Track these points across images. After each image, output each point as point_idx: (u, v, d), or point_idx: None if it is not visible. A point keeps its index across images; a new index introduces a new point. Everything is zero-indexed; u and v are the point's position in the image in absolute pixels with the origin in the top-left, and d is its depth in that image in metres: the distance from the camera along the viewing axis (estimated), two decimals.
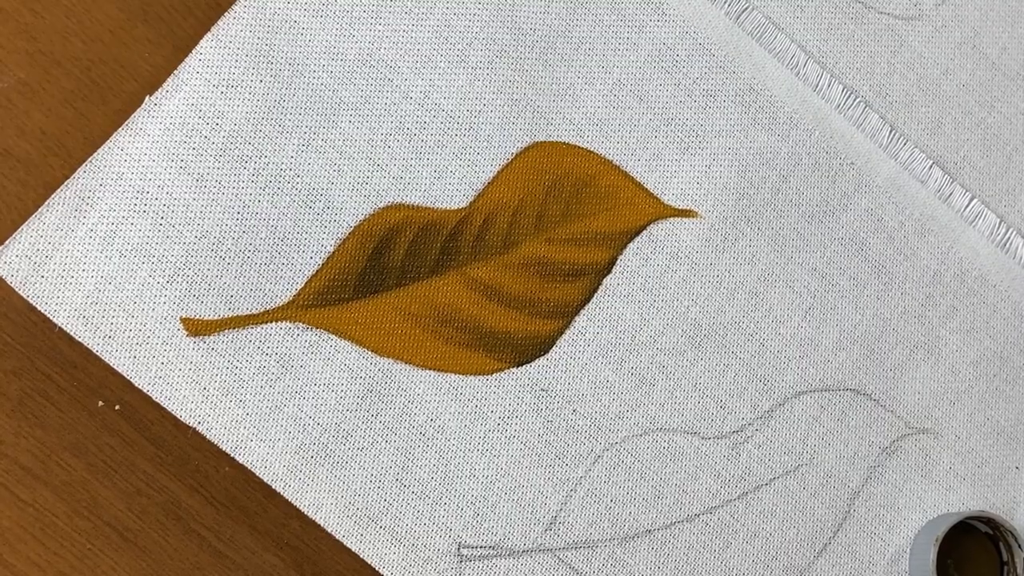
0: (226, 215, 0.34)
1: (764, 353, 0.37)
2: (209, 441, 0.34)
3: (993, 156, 0.40)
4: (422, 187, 0.36)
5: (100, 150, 0.34)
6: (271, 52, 0.35)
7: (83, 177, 0.33)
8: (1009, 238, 0.39)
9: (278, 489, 0.34)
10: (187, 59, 0.34)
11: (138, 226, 0.34)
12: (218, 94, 0.34)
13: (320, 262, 0.35)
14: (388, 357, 0.35)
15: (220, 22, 0.35)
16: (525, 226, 0.36)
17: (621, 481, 0.36)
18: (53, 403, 0.33)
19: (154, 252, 0.34)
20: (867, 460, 0.37)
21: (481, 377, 0.35)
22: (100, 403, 0.33)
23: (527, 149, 0.36)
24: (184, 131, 0.34)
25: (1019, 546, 0.36)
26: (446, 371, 0.35)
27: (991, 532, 0.37)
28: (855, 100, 0.39)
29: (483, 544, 0.35)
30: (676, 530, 0.36)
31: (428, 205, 0.36)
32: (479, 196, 0.36)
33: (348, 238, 0.35)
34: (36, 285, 0.33)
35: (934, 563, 0.35)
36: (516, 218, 0.36)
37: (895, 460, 0.37)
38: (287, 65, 0.35)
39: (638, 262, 0.37)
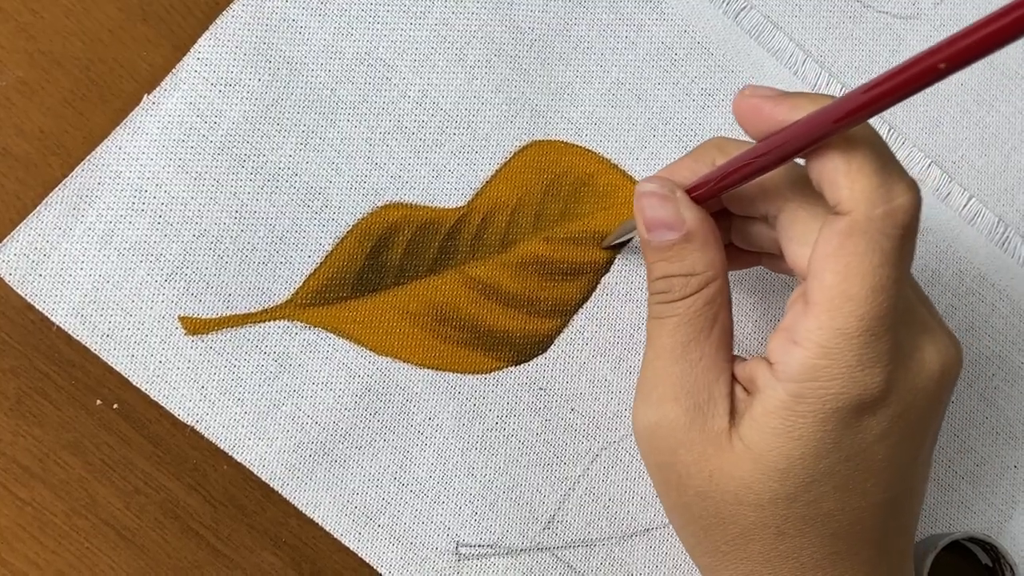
0: (224, 214, 0.34)
1: (763, 351, 0.37)
2: (207, 440, 0.34)
3: (991, 155, 0.40)
4: (420, 186, 0.36)
5: (98, 149, 0.34)
6: (269, 51, 0.35)
7: (81, 176, 0.33)
8: (1008, 237, 0.39)
9: (276, 488, 0.34)
10: (185, 58, 0.34)
11: (136, 225, 0.34)
12: (216, 93, 0.34)
13: (318, 261, 0.35)
14: (386, 356, 0.35)
15: (218, 21, 0.35)
16: (523, 225, 0.36)
17: (619, 480, 0.36)
18: (51, 402, 0.33)
19: (152, 251, 0.34)
20: None
21: (479, 376, 0.35)
22: (98, 402, 0.33)
23: (525, 148, 0.36)
24: (182, 130, 0.34)
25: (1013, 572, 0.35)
26: (444, 370, 0.35)
27: (989, 562, 0.36)
28: None
29: (481, 543, 0.35)
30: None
31: (426, 204, 0.36)
32: (477, 195, 0.36)
33: (346, 237, 0.35)
34: (34, 283, 0.33)
35: None
36: (514, 217, 0.36)
37: None
38: (285, 64, 0.35)
39: (637, 260, 0.37)
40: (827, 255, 0.25)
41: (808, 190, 0.27)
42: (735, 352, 0.30)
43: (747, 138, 0.28)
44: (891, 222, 0.24)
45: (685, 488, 0.28)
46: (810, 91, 0.38)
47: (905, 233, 0.24)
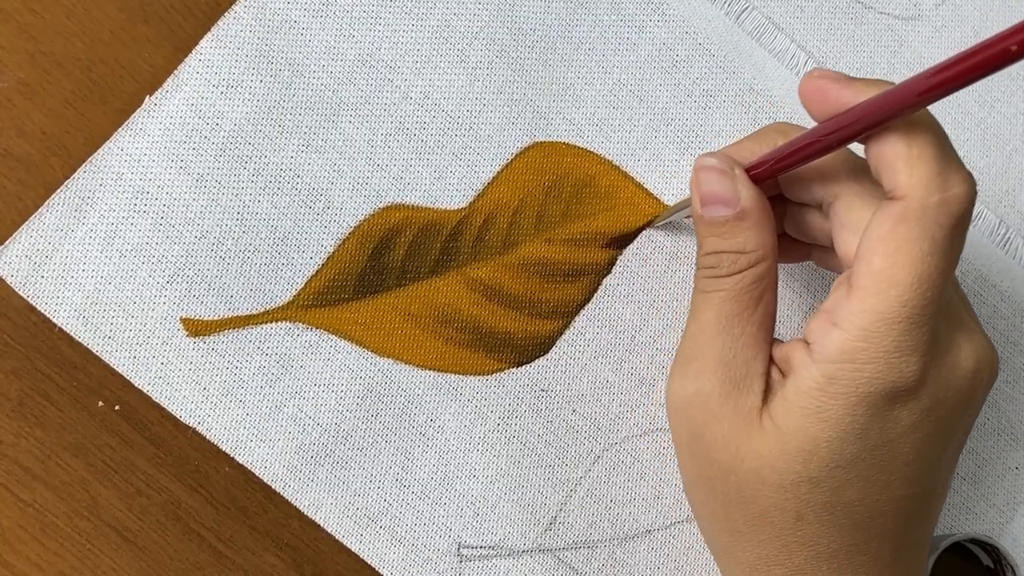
0: (226, 215, 0.34)
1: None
2: (209, 441, 0.34)
3: (992, 156, 0.40)
4: (422, 187, 0.36)
5: (100, 150, 0.34)
6: (271, 52, 0.35)
7: (83, 177, 0.33)
8: (1009, 238, 0.39)
9: (278, 489, 0.34)
10: (187, 59, 0.34)
11: (138, 226, 0.34)
12: (218, 94, 0.34)
13: (320, 262, 0.35)
14: (388, 357, 0.35)
15: (220, 22, 0.35)
16: (525, 226, 0.36)
17: (621, 481, 0.36)
18: (53, 403, 0.33)
19: (154, 252, 0.34)
20: None
21: (481, 377, 0.35)
22: (100, 403, 0.33)
23: (527, 149, 0.36)
24: (184, 131, 0.34)
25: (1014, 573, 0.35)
26: (446, 371, 0.35)
27: (990, 564, 0.36)
28: None
29: (483, 544, 0.35)
30: (676, 530, 0.36)
31: (428, 205, 0.36)
32: (479, 196, 0.36)
33: (348, 238, 0.35)
34: (36, 285, 0.33)
35: None
36: (516, 218, 0.36)
37: None
38: (287, 65, 0.35)
39: (638, 262, 0.37)
40: (878, 239, 0.25)
41: (865, 179, 0.27)
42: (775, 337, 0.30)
43: (798, 125, 0.28)
44: (945, 211, 0.24)
45: (711, 461, 0.28)
46: None
47: (957, 224, 0.24)
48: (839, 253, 0.28)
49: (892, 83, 0.25)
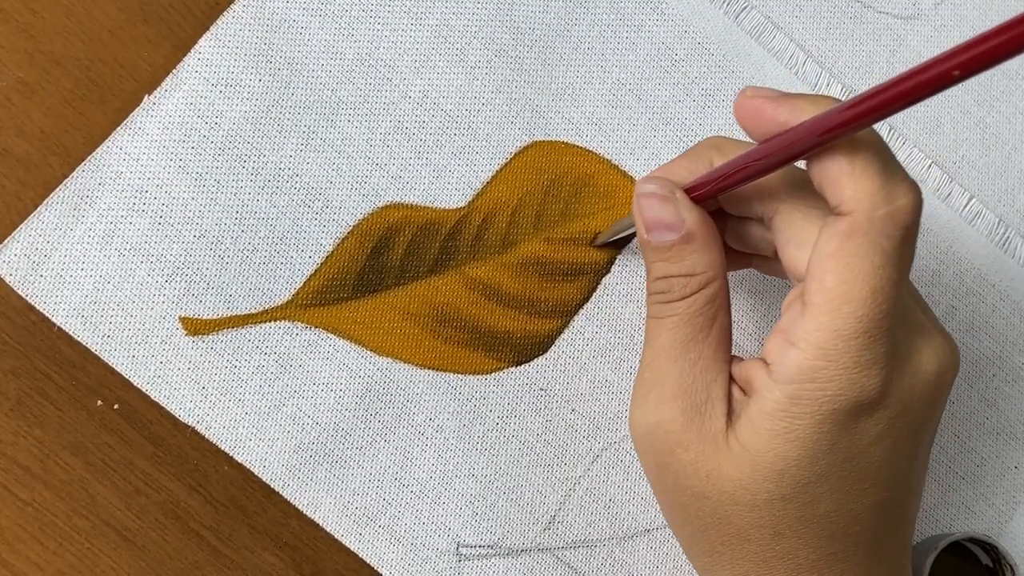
0: (225, 214, 0.34)
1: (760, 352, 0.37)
2: (208, 440, 0.34)
3: (992, 155, 0.40)
4: (421, 186, 0.36)
5: (99, 149, 0.34)
6: (270, 51, 0.35)
7: (82, 176, 0.33)
8: (1008, 237, 0.39)
9: (277, 488, 0.34)
10: (186, 58, 0.34)
11: (137, 225, 0.34)
12: (217, 93, 0.34)
13: (319, 261, 0.35)
14: (387, 356, 0.35)
15: (219, 21, 0.35)
16: (524, 225, 0.36)
17: (620, 480, 0.36)
18: (52, 402, 0.33)
19: (153, 251, 0.34)
20: None
21: (480, 376, 0.35)
22: (99, 402, 0.33)
23: (526, 148, 0.36)
24: (183, 130, 0.34)
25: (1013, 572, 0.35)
26: (445, 370, 0.35)
27: (989, 563, 0.36)
28: None
29: (482, 543, 0.35)
30: None
31: (427, 204, 0.36)
32: (478, 195, 0.36)
33: (347, 237, 0.35)
34: (35, 284, 0.33)
35: None
36: (515, 217, 0.36)
37: None
38: (286, 64, 0.35)
39: (637, 261, 0.37)
40: (827, 255, 0.25)
41: (805, 192, 0.27)
42: (733, 352, 0.30)
43: (746, 138, 0.28)
44: (893, 223, 0.24)
45: (682, 488, 0.28)
46: (810, 92, 0.38)
47: (906, 234, 0.24)
48: (786, 266, 0.28)
49: (828, 97, 0.25)
